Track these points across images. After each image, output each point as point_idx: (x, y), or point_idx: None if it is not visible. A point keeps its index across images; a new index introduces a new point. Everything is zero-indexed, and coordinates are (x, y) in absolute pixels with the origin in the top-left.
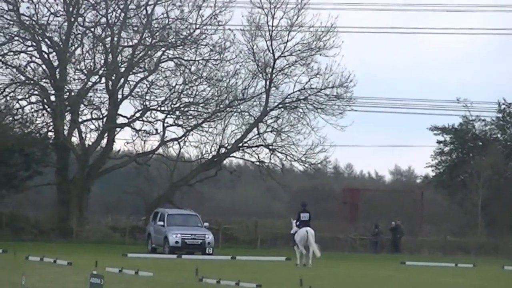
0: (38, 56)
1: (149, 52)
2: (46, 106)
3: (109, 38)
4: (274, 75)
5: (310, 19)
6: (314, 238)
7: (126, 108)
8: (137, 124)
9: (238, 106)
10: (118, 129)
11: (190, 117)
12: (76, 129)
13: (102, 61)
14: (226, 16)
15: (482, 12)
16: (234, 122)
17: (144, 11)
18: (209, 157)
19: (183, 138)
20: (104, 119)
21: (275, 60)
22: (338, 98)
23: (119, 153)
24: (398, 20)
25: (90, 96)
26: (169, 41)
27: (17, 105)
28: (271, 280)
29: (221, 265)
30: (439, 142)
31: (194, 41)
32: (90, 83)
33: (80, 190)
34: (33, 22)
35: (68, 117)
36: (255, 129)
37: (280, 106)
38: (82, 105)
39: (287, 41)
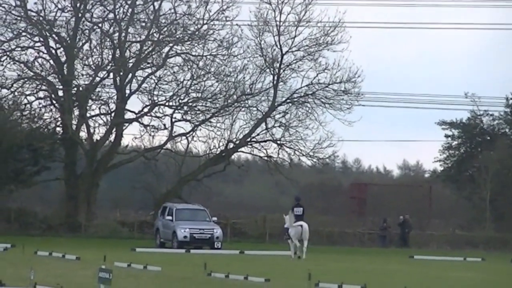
0: (45, 51)
1: (157, 48)
2: (54, 101)
3: (116, 34)
4: (281, 70)
5: (318, 14)
6: (308, 233)
7: (134, 103)
8: (145, 119)
9: (246, 101)
10: (126, 124)
11: (198, 112)
12: (84, 124)
13: (110, 56)
14: (233, 12)
15: (490, 7)
16: (242, 117)
17: (152, 7)
18: (217, 152)
19: (191, 133)
20: (112, 114)
21: (282, 55)
22: (346, 93)
23: (127, 148)
24: (406, 15)
25: (98, 91)
26: (177, 36)
27: (25, 101)
28: (279, 275)
29: (230, 259)
30: (447, 136)
31: (201, 36)
32: (98, 79)
33: (88, 185)
34: (41, 18)
35: (76, 112)
36: (263, 124)
37: (288, 101)
38: (90, 100)
39: (295, 36)
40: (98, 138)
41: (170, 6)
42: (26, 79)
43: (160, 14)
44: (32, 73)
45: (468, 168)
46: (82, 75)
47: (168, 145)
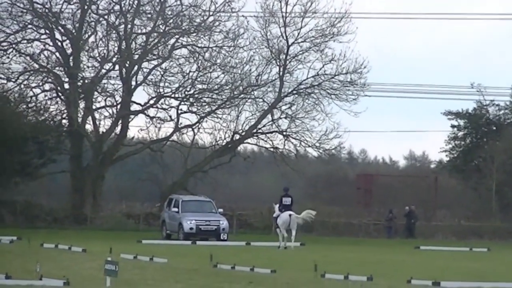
0: (51, 44)
1: (163, 39)
2: (60, 94)
3: (122, 26)
4: (288, 62)
5: (324, 5)
6: (296, 223)
7: (140, 95)
8: (151, 111)
9: (252, 93)
10: (132, 116)
11: (204, 103)
12: (90, 117)
13: (116, 48)
14: (239, 3)
15: None
16: (248, 109)
17: None
18: (223, 144)
19: (197, 124)
20: (118, 106)
21: (288, 46)
22: (352, 84)
23: (133, 140)
24: (412, 5)
25: (104, 84)
26: (183, 28)
27: (31, 93)
28: (285, 266)
29: (236, 251)
30: (453, 126)
31: (207, 28)
32: (103, 71)
33: (94, 177)
34: (46, 10)
35: (82, 104)
36: (269, 116)
37: (294, 92)
38: (96, 93)
39: (301, 27)
40: (104, 130)
41: None
42: (32, 72)
43: (166, 6)
44: (38, 66)
45: (474, 158)
46: (88, 67)
47: (174, 137)
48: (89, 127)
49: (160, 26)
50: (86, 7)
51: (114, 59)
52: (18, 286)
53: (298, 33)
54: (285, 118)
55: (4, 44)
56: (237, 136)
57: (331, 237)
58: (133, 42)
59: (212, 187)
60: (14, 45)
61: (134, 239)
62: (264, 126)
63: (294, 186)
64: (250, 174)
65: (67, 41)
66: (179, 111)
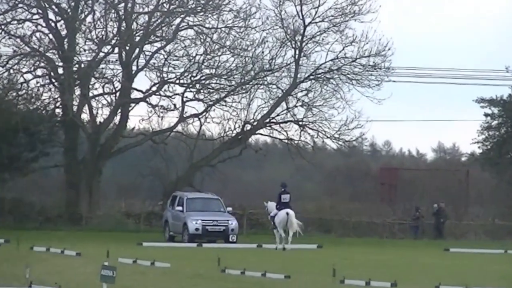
0: (44, 24)
1: (167, 20)
2: (53, 80)
3: (122, 4)
4: (304, 44)
5: None
6: (294, 219)
7: (142, 81)
8: (154, 99)
9: (265, 78)
10: (132, 105)
11: (211, 90)
12: (86, 105)
13: (115, 29)
14: None
15: None
16: (261, 96)
17: None
18: (233, 135)
19: (204, 113)
20: (117, 94)
21: (305, 26)
22: (375, 68)
23: (134, 131)
24: None
25: (102, 68)
26: (189, 7)
27: (22, 79)
28: (301, 270)
29: (246, 254)
30: (486, 115)
31: (216, 6)
32: (101, 54)
33: (90, 172)
34: None
35: (77, 91)
36: (283, 103)
37: (311, 77)
38: (93, 78)
39: (319, 5)
40: (102, 120)
41: None
42: (22, 56)
43: None
44: (29, 49)
45: (509, 150)
46: (84, 50)
47: (179, 127)
48: (85, 116)
49: (164, 4)
50: None
51: (113, 41)
52: None
53: (316, 12)
54: (301, 106)
55: None
56: (248, 126)
57: (351, 238)
58: (134, 23)
59: (221, 183)
60: (3, 26)
61: (134, 241)
62: (278, 115)
63: (312, 181)
64: (263, 169)
65: (62, 21)
66: (185, 99)
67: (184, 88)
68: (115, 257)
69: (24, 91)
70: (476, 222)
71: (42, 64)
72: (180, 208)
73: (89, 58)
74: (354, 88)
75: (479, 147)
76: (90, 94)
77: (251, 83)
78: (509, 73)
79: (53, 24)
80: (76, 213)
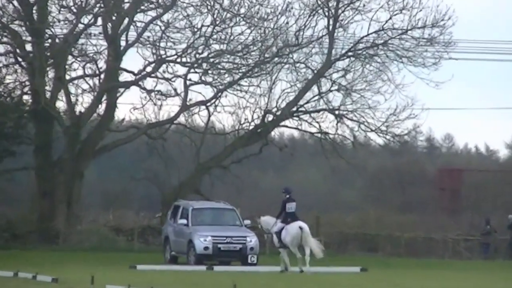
0: None
1: None
2: (20, 59)
3: None
4: (340, 11)
5: None
6: (311, 236)
7: (133, 60)
8: (149, 82)
9: (290, 55)
10: (121, 90)
11: (222, 71)
12: (62, 91)
13: None
14: None
15: None
16: (285, 78)
17: None
18: (251, 128)
19: (213, 100)
20: (102, 76)
21: None
22: (431, 43)
23: (124, 124)
24: None
25: (82, 44)
26: None
27: None
28: None
29: (269, 279)
30: None
31: None
32: (81, 26)
33: (69, 177)
34: None
35: (50, 73)
36: (314, 87)
37: (349, 54)
38: (70, 57)
39: None
40: (82, 109)
41: None
42: None
43: None
44: None
45: None
46: (59, 21)
47: (181, 119)
48: (61, 105)
49: None
50: None
51: (95, 10)
52: None
53: None
54: (337, 90)
55: None
56: (270, 117)
57: (403, 259)
58: None
59: (235, 189)
60: None
61: (126, 263)
62: (308, 102)
63: (351, 186)
64: (289, 170)
65: None
66: (188, 82)
67: (187, 68)
68: (101, 283)
69: None
70: None
71: (4, 39)
72: (184, 221)
73: (65, 31)
74: (405, 68)
75: None
76: (67, 77)
77: (272, 61)
78: None
79: None
80: (51, 229)
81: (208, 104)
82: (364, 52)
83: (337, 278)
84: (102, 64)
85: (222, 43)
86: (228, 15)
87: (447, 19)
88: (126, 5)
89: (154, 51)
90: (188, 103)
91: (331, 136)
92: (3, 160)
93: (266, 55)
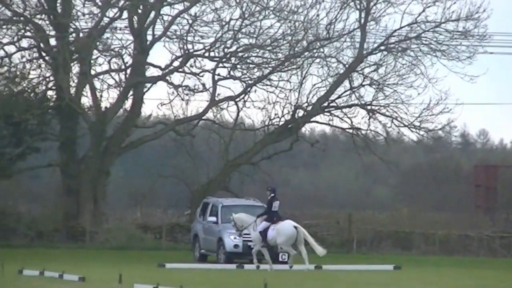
0: None
1: None
2: (44, 54)
3: None
4: (372, 4)
5: None
6: (307, 234)
7: (160, 55)
8: (176, 77)
9: (321, 49)
10: (148, 85)
11: (251, 66)
12: (87, 86)
13: None
14: None
15: None
16: (316, 73)
17: None
18: (281, 123)
19: (242, 96)
20: (128, 71)
21: None
22: (465, 36)
23: (151, 120)
24: None
25: (107, 38)
26: None
27: (2, 52)
28: None
29: (301, 278)
30: None
31: None
32: (106, 20)
33: (94, 174)
34: None
35: (75, 68)
36: (346, 82)
37: (381, 48)
38: (95, 51)
39: None
40: (108, 105)
41: None
42: (2, 22)
43: None
44: (10, 13)
45: None
46: (84, 14)
47: (210, 114)
48: (86, 101)
49: None
50: None
51: (121, 3)
52: None
53: None
54: (370, 85)
55: None
56: (300, 112)
57: (437, 257)
58: None
59: (265, 186)
60: None
61: (154, 262)
62: (339, 97)
63: (384, 183)
64: (320, 167)
65: None
66: (216, 77)
67: (215, 63)
68: (129, 282)
69: (5, 68)
70: None
71: (28, 34)
72: (213, 218)
73: (90, 25)
74: (439, 62)
75: None
76: (92, 72)
77: (303, 56)
78: None
79: None
80: (77, 227)
81: (237, 99)
82: (396, 46)
83: (370, 277)
84: (128, 58)
85: (251, 37)
86: (257, 8)
87: (482, 12)
88: None
89: (181, 45)
90: (216, 99)
91: (363, 132)
92: (27, 157)
93: (296, 50)
